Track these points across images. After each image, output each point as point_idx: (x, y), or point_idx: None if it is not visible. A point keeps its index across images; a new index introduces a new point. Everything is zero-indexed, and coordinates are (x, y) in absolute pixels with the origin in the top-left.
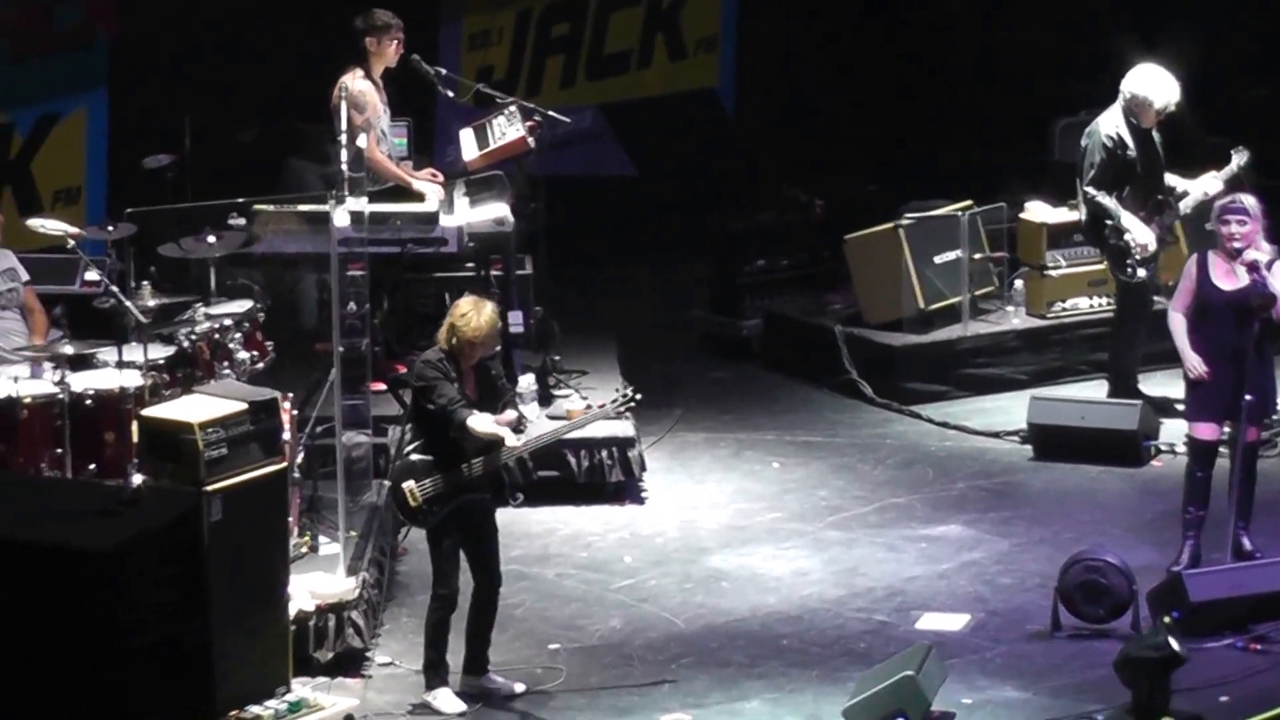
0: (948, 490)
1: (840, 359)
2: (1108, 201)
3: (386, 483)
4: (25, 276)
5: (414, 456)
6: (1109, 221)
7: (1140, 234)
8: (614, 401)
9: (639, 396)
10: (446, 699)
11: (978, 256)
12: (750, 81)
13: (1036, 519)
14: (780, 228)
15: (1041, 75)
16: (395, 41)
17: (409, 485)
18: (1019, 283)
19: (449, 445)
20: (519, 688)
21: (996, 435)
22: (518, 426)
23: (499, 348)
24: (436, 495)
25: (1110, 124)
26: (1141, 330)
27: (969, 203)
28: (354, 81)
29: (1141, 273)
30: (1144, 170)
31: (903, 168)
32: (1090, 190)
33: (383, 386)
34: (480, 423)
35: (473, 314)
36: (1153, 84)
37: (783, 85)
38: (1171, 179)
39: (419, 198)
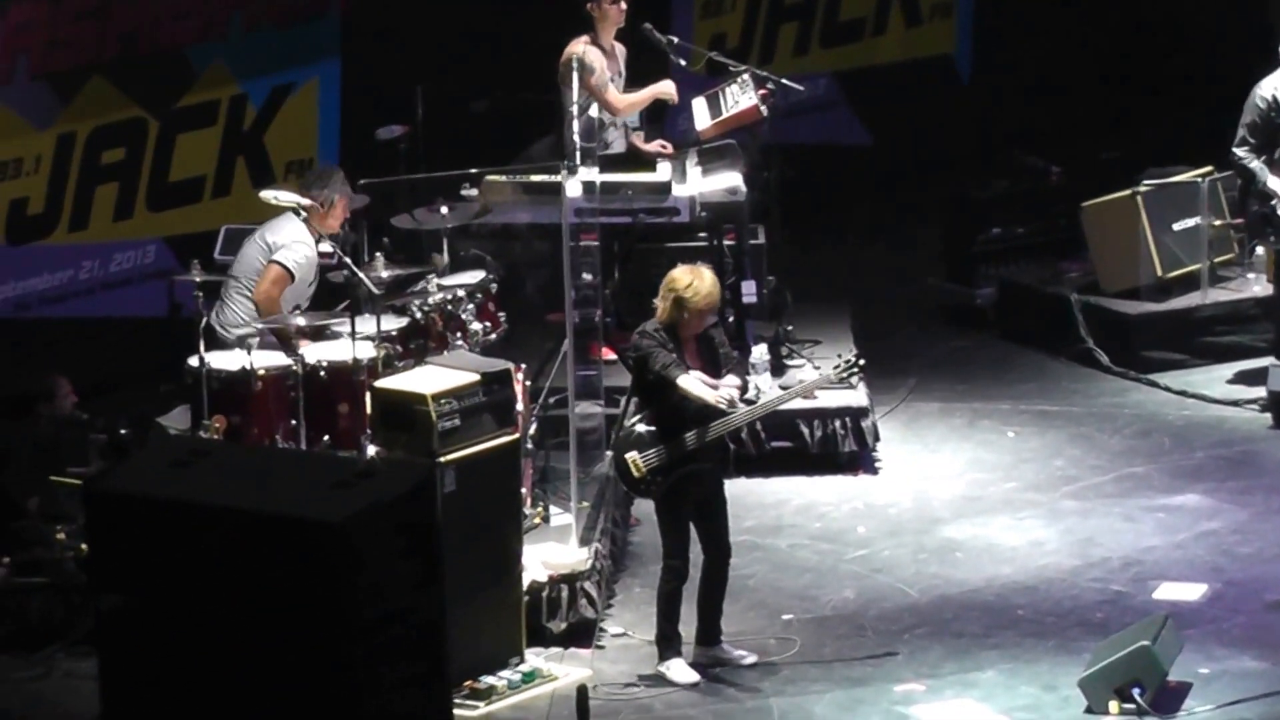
0: (1186, 459)
1: (1076, 327)
2: (1254, 164)
3: (609, 454)
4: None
5: (637, 428)
6: (1254, 186)
7: None
8: (836, 368)
9: (862, 361)
10: (679, 669)
11: (1217, 223)
12: (986, 48)
13: (1276, 488)
14: (1016, 195)
15: None
16: (616, 4)
17: (632, 456)
18: (1260, 249)
19: (671, 415)
20: (751, 658)
21: (1235, 404)
22: (741, 393)
23: (716, 317)
24: (660, 466)
25: (1270, 86)
26: None
27: (1209, 169)
28: (579, 49)
29: None
30: None
31: (1142, 133)
32: (1237, 152)
33: (613, 355)
34: (690, 383)
35: (696, 282)
36: None
37: (1019, 51)
38: None
39: (651, 167)
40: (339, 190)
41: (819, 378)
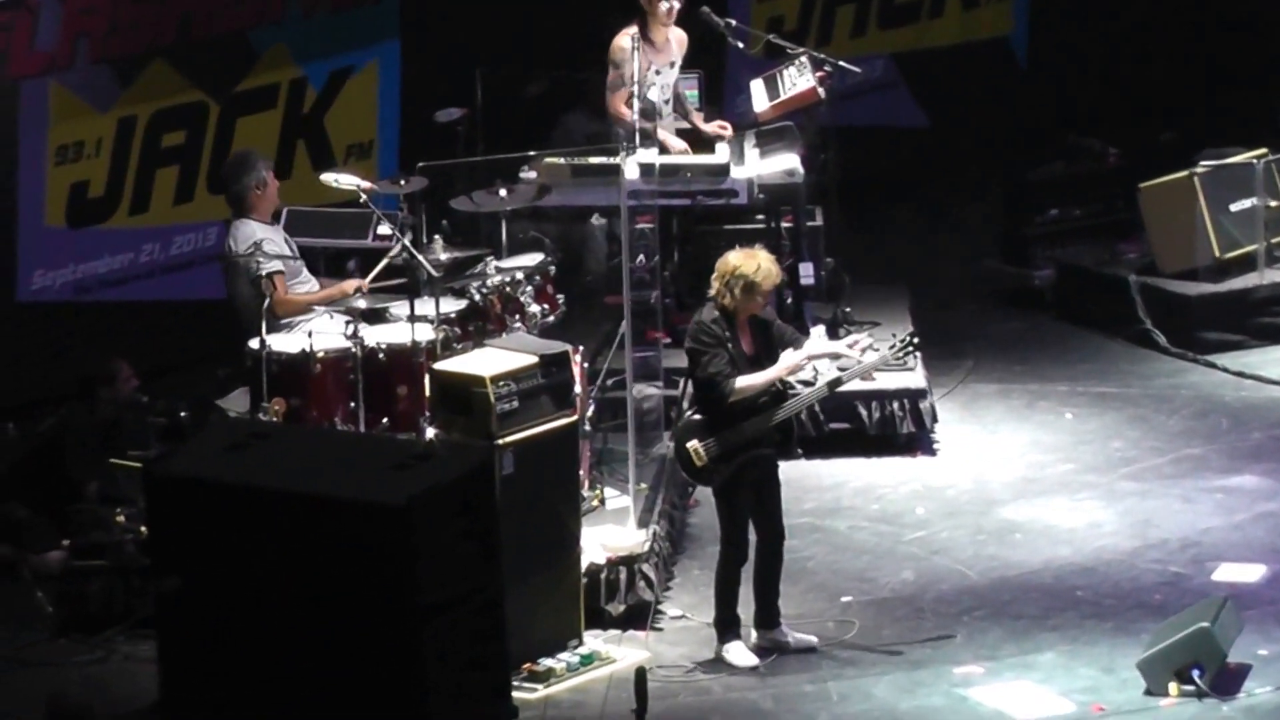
0: (1244, 440)
1: (1134, 309)
2: None
3: (669, 442)
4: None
5: (697, 415)
6: None
7: None
8: (892, 348)
9: (917, 339)
10: (739, 652)
11: (1274, 204)
12: (1043, 30)
13: None
14: (1073, 177)
15: None
16: (665, 2)
17: (693, 445)
18: None
19: (720, 411)
20: (812, 641)
21: None
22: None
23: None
24: (721, 454)
25: None
26: None
27: (1265, 150)
28: (619, 39)
29: None
30: None
31: (1198, 115)
32: None
33: (668, 339)
34: (745, 383)
35: (752, 262)
36: None
37: (1076, 33)
38: None
39: (710, 149)
40: (263, 169)
41: (876, 358)
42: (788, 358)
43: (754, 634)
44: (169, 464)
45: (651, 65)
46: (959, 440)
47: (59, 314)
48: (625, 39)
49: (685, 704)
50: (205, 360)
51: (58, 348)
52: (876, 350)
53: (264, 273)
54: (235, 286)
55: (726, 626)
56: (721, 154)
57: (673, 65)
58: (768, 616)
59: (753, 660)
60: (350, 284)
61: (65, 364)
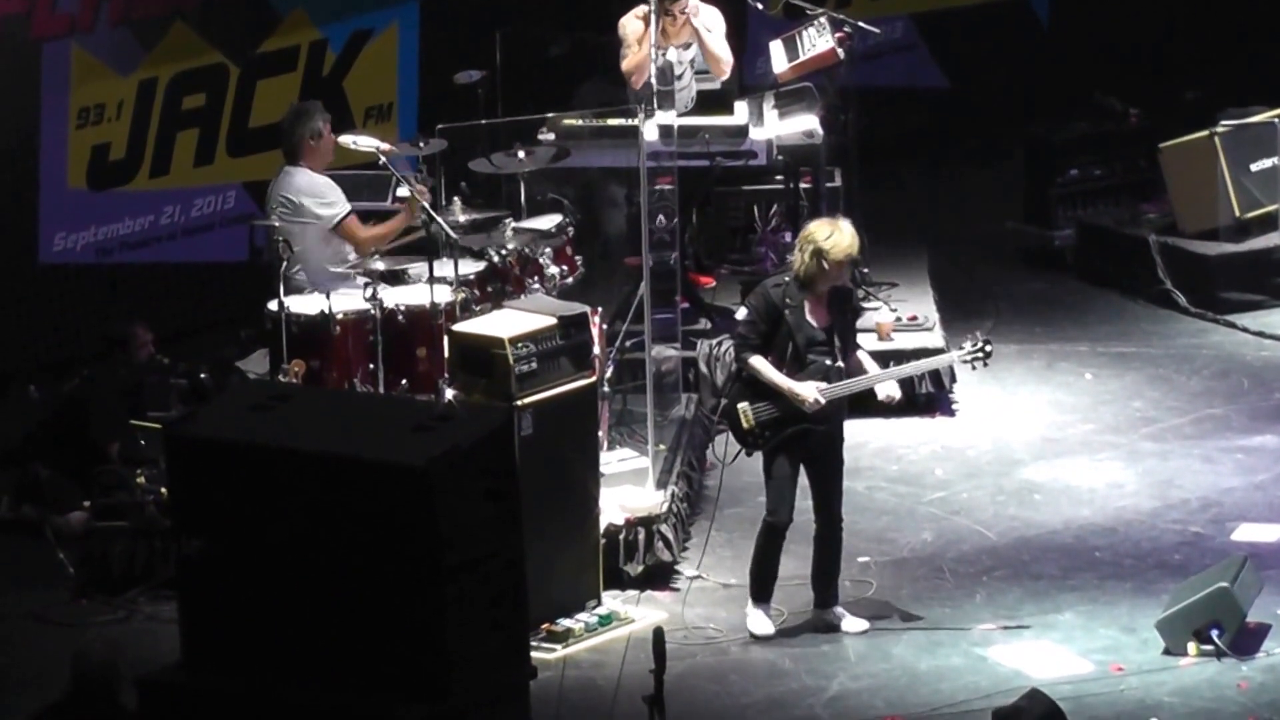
0: (1265, 400)
1: (1155, 269)
2: None
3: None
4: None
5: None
6: None
7: None
8: (962, 350)
9: (990, 349)
10: (757, 620)
11: None
12: None
13: None
14: (1094, 137)
15: None
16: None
17: (743, 406)
18: None
19: (786, 370)
20: (862, 625)
21: None
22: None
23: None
24: (771, 420)
25: None
26: None
27: None
28: (627, 18)
29: None
30: None
31: (1221, 74)
32: None
33: (686, 304)
34: (760, 365)
35: (835, 234)
36: None
37: None
38: None
39: (729, 110)
40: (321, 121)
41: (946, 357)
42: (802, 388)
43: (812, 614)
44: (190, 425)
45: (666, 50)
46: (979, 401)
47: (80, 276)
48: (633, 18)
49: (704, 664)
50: (226, 323)
51: (78, 310)
52: (945, 351)
53: (340, 214)
54: (298, 234)
55: (751, 592)
56: (740, 115)
57: (686, 47)
58: (819, 596)
59: (767, 629)
60: (410, 206)
61: (86, 326)
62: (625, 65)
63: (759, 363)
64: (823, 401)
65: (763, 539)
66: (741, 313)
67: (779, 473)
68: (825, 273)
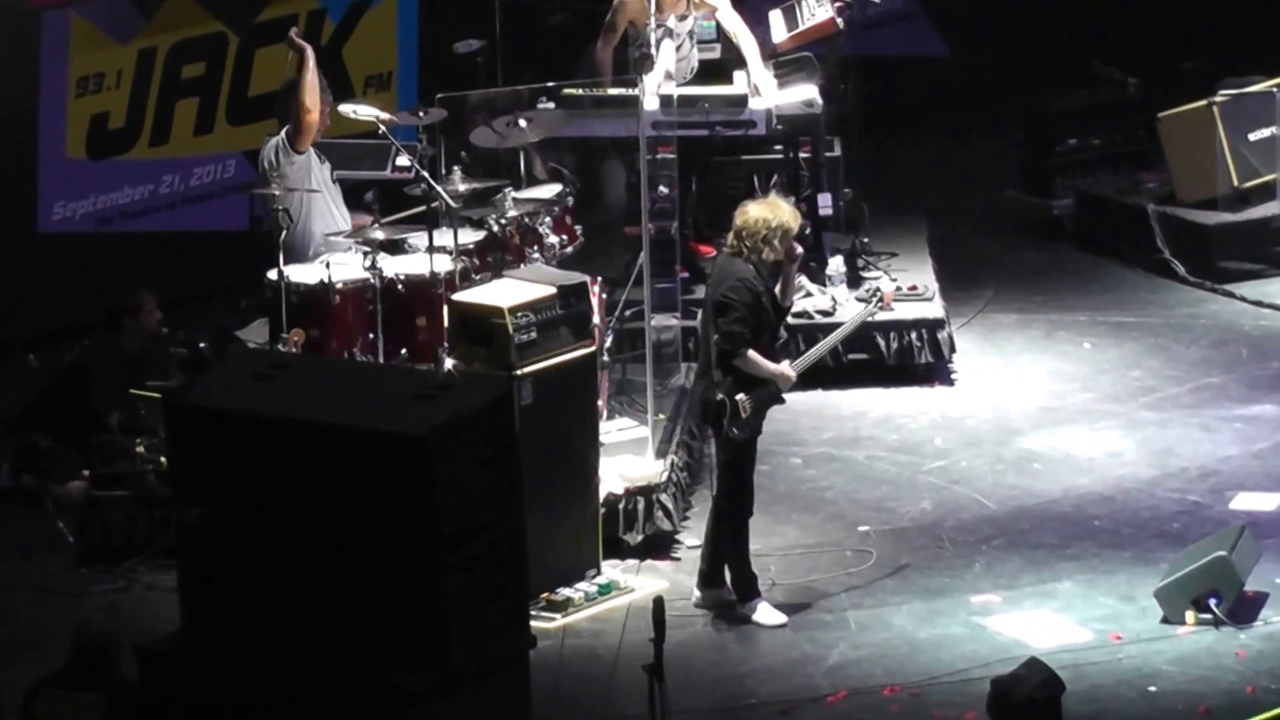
0: (1263, 369)
1: (1153, 238)
2: None
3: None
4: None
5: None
6: None
7: None
8: (867, 306)
9: (880, 292)
10: (766, 612)
11: None
12: None
13: None
14: (1094, 107)
15: None
16: None
17: (742, 398)
18: None
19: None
20: (780, 618)
21: None
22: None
23: None
24: (759, 407)
25: None
26: None
27: None
28: None
29: None
30: None
31: (1221, 43)
32: None
33: (686, 273)
34: (759, 361)
35: (781, 209)
36: None
37: None
38: None
39: (729, 81)
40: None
41: (856, 316)
42: (785, 369)
43: (696, 592)
44: (190, 394)
45: (658, 25)
46: (978, 370)
47: (79, 245)
48: None
49: (703, 633)
50: (225, 292)
51: (78, 279)
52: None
53: (281, 138)
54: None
55: (749, 585)
56: (740, 84)
57: (683, 19)
58: (717, 575)
59: (780, 618)
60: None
61: (85, 295)
62: (599, 51)
63: (755, 355)
64: (794, 378)
65: (738, 534)
66: (729, 311)
67: (748, 463)
68: (788, 250)
